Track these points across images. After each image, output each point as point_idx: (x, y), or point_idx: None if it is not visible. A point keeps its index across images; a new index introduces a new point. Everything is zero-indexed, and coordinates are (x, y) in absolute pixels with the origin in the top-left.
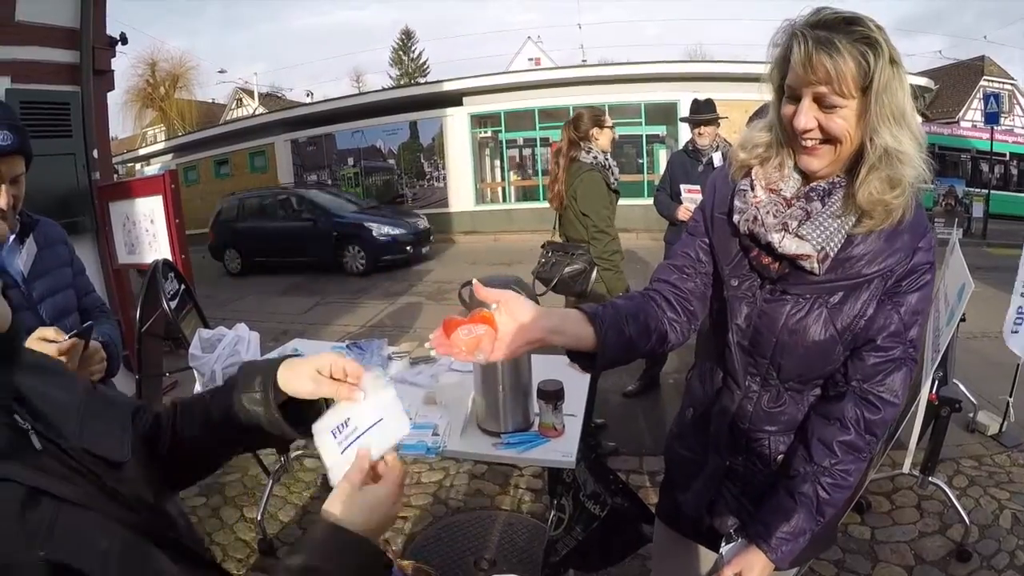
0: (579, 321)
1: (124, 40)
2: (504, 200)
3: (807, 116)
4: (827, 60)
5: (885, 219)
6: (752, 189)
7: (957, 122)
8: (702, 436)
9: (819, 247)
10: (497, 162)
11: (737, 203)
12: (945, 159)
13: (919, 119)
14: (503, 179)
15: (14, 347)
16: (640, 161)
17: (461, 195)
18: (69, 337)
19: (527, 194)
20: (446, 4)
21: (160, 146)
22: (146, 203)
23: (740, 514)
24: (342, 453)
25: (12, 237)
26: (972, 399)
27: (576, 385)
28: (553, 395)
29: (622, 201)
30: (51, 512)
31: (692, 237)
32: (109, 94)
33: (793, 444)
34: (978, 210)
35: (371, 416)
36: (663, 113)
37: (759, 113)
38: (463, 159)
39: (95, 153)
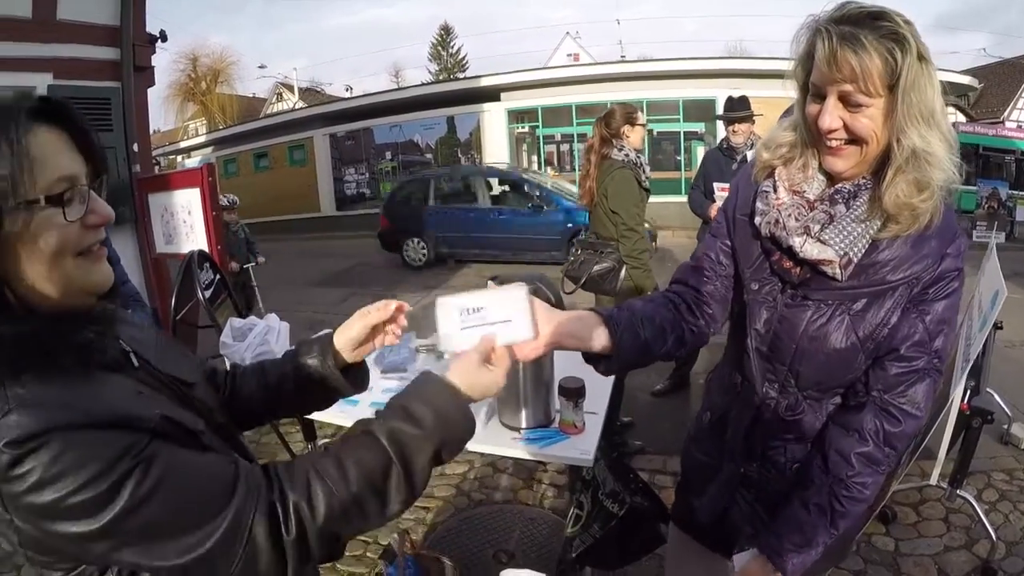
0: (595, 324)
1: (164, 38)
2: None
3: (832, 116)
4: (852, 57)
5: (912, 224)
6: (775, 190)
7: (1002, 122)
8: (718, 441)
9: (842, 252)
10: (534, 157)
11: (759, 205)
12: (989, 160)
13: (950, 119)
14: (540, 175)
15: (116, 297)
16: (677, 158)
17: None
18: None
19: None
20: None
21: (201, 139)
22: (184, 195)
23: (753, 521)
24: (461, 330)
25: None
26: (1007, 410)
27: (598, 383)
28: (574, 392)
29: (659, 198)
30: (155, 397)
31: (714, 239)
32: (151, 88)
33: (810, 454)
34: (1022, 214)
35: (502, 314)
36: (701, 110)
37: (788, 112)
38: (500, 154)
39: (135, 147)
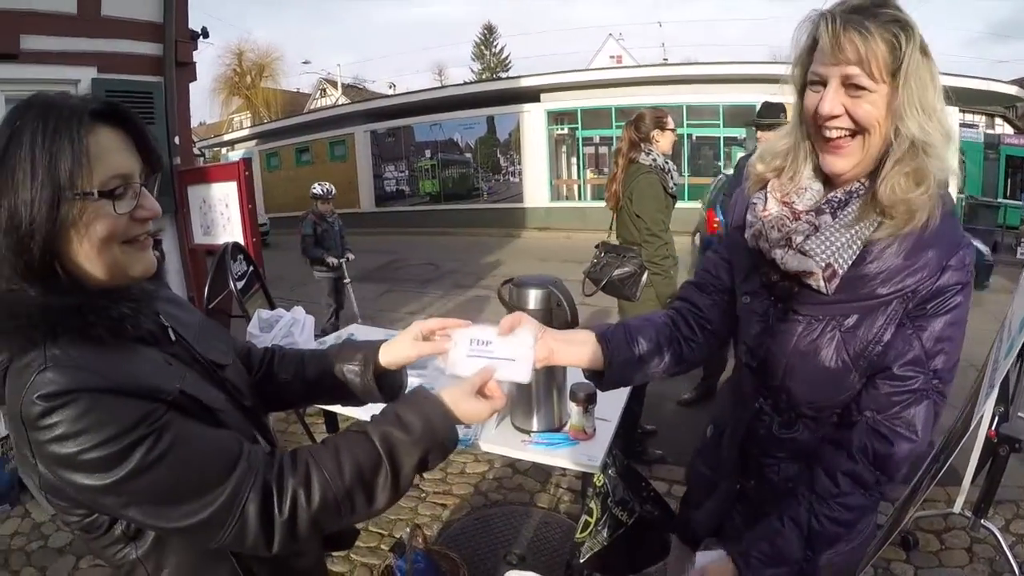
0: (587, 341)
1: (205, 34)
2: (579, 198)
3: (833, 101)
4: (857, 38)
5: (908, 221)
6: (764, 202)
7: None
8: (718, 455)
9: (824, 263)
10: (573, 159)
11: (748, 217)
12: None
13: (952, 120)
14: (578, 176)
15: (160, 280)
16: (717, 164)
17: (536, 191)
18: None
19: (602, 193)
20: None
21: (245, 132)
22: (222, 188)
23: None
24: (467, 357)
25: None
26: None
27: (613, 391)
28: (585, 398)
29: (696, 204)
30: (183, 371)
31: (714, 254)
32: (195, 82)
33: (802, 471)
34: None
35: (507, 352)
36: (742, 116)
37: None
38: (539, 155)
39: (176, 140)
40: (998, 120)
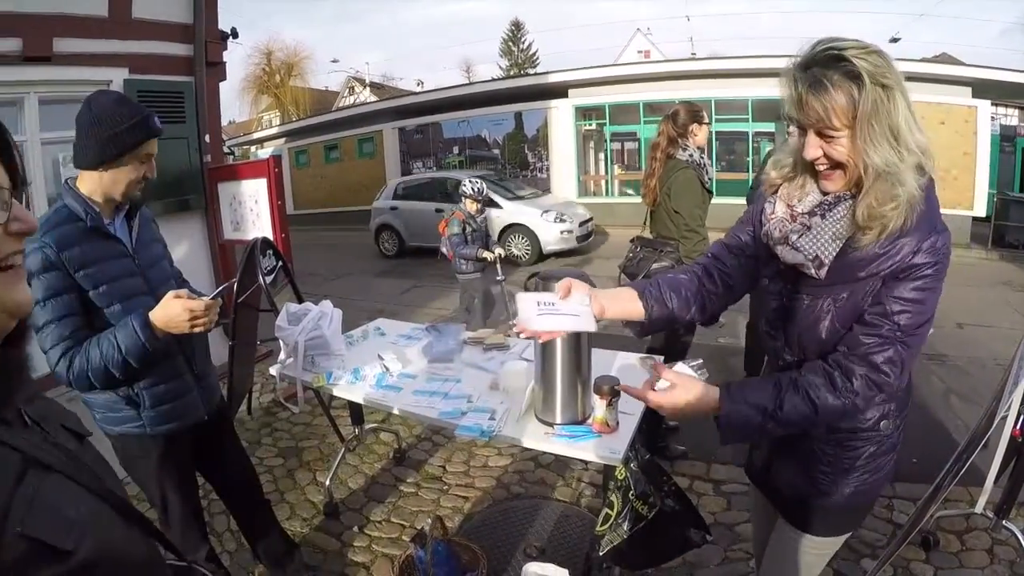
0: (631, 297)
1: (235, 35)
2: (607, 194)
3: (812, 148)
4: (816, 102)
5: (882, 232)
6: (773, 205)
7: None
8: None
9: (811, 256)
10: (601, 155)
11: (762, 218)
12: None
13: (921, 135)
14: (606, 172)
15: (23, 344)
16: (747, 159)
17: (564, 187)
18: (213, 297)
19: (630, 188)
20: None
21: (274, 130)
22: (251, 185)
23: (795, 476)
24: (538, 316)
25: (123, 214)
26: None
27: (636, 383)
28: (609, 391)
29: (728, 200)
30: (34, 485)
31: (744, 224)
32: (224, 81)
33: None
34: None
35: (571, 309)
36: (771, 110)
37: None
38: (567, 151)
39: (207, 138)
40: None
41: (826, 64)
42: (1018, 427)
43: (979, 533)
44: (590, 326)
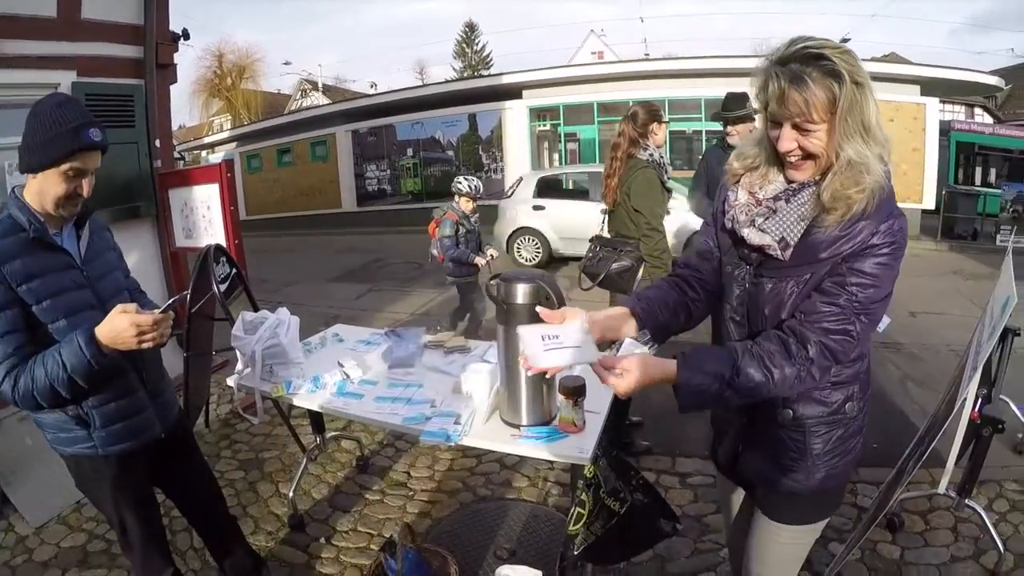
0: (625, 317)
1: (186, 36)
2: None
3: (787, 141)
4: (797, 96)
5: (847, 211)
6: (736, 194)
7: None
8: None
9: (778, 236)
10: (555, 155)
11: (725, 205)
12: (1014, 163)
13: (883, 130)
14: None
15: None
16: (699, 157)
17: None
18: (163, 310)
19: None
20: None
21: (225, 135)
22: (203, 190)
23: (763, 465)
24: (545, 352)
25: (72, 223)
26: (1022, 419)
27: (600, 383)
28: (574, 391)
29: (679, 197)
30: None
31: (709, 227)
32: (175, 85)
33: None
34: None
35: (574, 340)
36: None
37: None
38: (521, 152)
39: (157, 143)
40: (978, 110)
41: (805, 61)
42: (976, 410)
43: (942, 513)
44: (594, 355)
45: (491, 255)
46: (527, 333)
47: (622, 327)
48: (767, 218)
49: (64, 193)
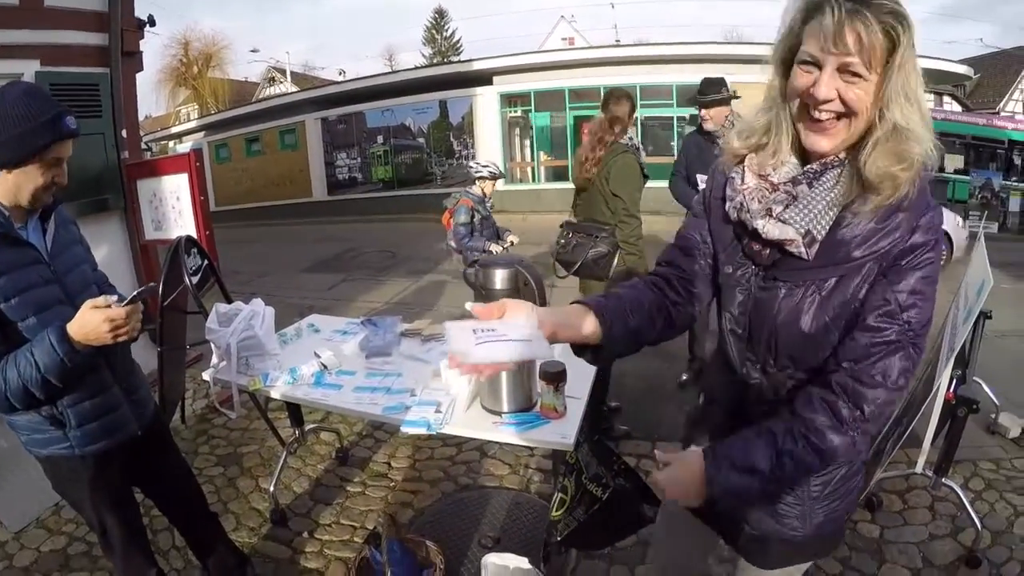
0: (583, 315)
1: (152, 22)
2: (533, 180)
3: (828, 86)
4: (862, 29)
5: (893, 193)
6: (742, 176)
7: (997, 112)
8: (710, 422)
9: (803, 230)
10: (527, 142)
11: (728, 191)
12: (981, 151)
13: (927, 103)
14: (532, 159)
15: None
16: (672, 144)
17: None
18: (128, 302)
19: (556, 174)
20: None
21: (192, 124)
22: (172, 181)
23: (752, 511)
24: (477, 345)
25: (37, 217)
26: (995, 400)
27: (580, 368)
28: (555, 376)
29: (652, 183)
30: None
31: (696, 218)
32: (141, 74)
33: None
34: (1015, 204)
35: (517, 333)
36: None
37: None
38: (492, 138)
39: (123, 133)
40: (946, 98)
41: (868, 1)
42: (951, 391)
43: (919, 492)
44: (545, 351)
45: (511, 241)
46: (454, 328)
47: (581, 324)
48: (787, 206)
49: (44, 184)
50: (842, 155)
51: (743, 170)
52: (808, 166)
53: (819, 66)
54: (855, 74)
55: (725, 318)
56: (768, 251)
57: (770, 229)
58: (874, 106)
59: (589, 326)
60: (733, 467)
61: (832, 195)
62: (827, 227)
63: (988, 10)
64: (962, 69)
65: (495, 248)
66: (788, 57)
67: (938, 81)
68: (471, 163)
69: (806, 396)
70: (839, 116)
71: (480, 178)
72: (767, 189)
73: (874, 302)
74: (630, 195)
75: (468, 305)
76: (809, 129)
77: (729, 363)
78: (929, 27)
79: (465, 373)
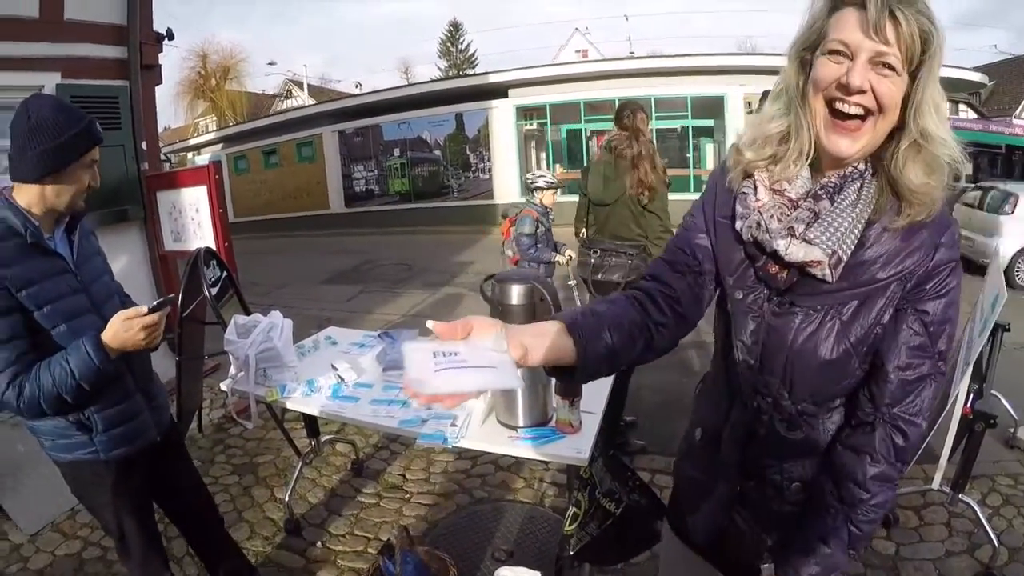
0: (557, 333)
1: (171, 36)
2: None
3: (862, 75)
4: (903, 20)
5: (930, 209)
6: (755, 191)
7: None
8: (712, 458)
9: (830, 251)
10: (543, 154)
11: (739, 208)
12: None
13: (962, 114)
14: (548, 171)
15: None
16: (687, 156)
17: (506, 187)
18: (152, 310)
19: (572, 187)
20: None
21: (211, 136)
22: (191, 193)
23: (754, 541)
24: (436, 372)
25: (63, 228)
26: (1013, 414)
27: (597, 383)
28: (570, 391)
29: (670, 196)
30: None
31: (688, 232)
32: (160, 86)
33: (817, 476)
34: None
35: (482, 359)
36: (710, 107)
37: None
38: (508, 151)
39: (143, 145)
40: (961, 106)
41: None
42: (968, 405)
43: (936, 508)
44: (511, 380)
45: (569, 255)
46: (412, 351)
47: (555, 346)
48: (809, 224)
49: (82, 187)
50: (861, 166)
51: (754, 185)
52: (826, 179)
53: (850, 57)
54: (889, 66)
55: (737, 348)
56: (786, 274)
57: (794, 250)
58: (901, 109)
59: (563, 346)
60: (816, 562)
61: (856, 211)
62: (852, 246)
63: (1002, 16)
64: (977, 76)
65: (560, 258)
66: (809, 51)
67: (953, 90)
68: (528, 174)
69: (855, 481)
70: (865, 115)
71: (536, 188)
72: (786, 206)
73: (904, 336)
74: (664, 210)
75: (429, 323)
76: (831, 131)
77: (740, 396)
78: (947, 35)
79: (423, 403)
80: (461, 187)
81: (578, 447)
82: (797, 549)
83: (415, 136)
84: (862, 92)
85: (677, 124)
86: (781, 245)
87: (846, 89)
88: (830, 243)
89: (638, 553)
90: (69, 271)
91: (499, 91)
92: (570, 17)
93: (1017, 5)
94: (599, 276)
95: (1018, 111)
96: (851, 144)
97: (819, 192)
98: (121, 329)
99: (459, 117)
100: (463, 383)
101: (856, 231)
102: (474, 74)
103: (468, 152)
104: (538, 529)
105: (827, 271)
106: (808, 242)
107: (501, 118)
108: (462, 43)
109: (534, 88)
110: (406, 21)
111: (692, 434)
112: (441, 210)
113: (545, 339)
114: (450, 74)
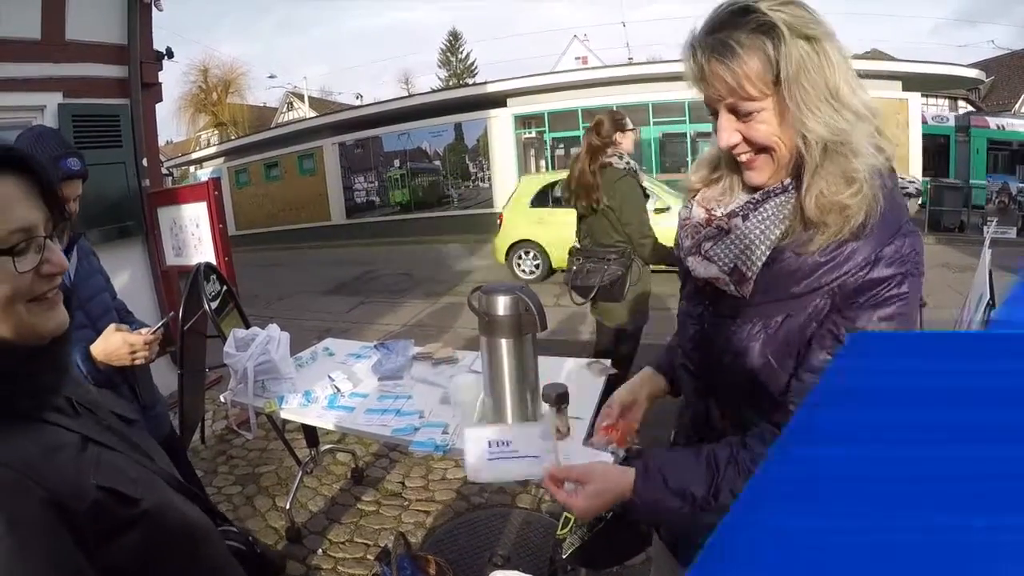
0: (655, 377)
1: (170, 55)
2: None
3: (728, 132)
4: (722, 69)
5: (844, 225)
6: (690, 211)
7: (1013, 114)
8: None
9: (727, 267)
10: (542, 163)
11: (678, 227)
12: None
13: (864, 95)
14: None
15: (66, 345)
16: (688, 160)
17: (506, 195)
18: (155, 331)
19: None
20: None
21: (212, 150)
22: (192, 208)
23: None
24: (489, 461)
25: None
26: None
27: (584, 389)
28: (558, 398)
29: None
30: (96, 453)
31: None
32: (161, 102)
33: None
34: None
35: (529, 449)
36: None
37: None
38: (507, 160)
39: (144, 162)
40: (961, 103)
41: (731, 24)
42: None
43: None
44: (535, 472)
45: None
46: (472, 437)
47: (657, 385)
48: (716, 241)
49: None
50: (786, 180)
51: (693, 205)
52: (751, 196)
53: (716, 112)
54: (747, 113)
55: (679, 354)
56: (708, 287)
57: (698, 267)
58: (788, 130)
59: (661, 385)
60: (666, 487)
61: (767, 228)
62: (759, 262)
63: (1002, 12)
64: (973, 73)
65: None
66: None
67: (951, 86)
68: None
69: (758, 431)
70: (758, 152)
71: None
72: (700, 224)
73: (821, 339)
74: (640, 218)
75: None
76: (742, 168)
77: (688, 400)
78: (942, 32)
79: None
80: (461, 196)
81: (567, 452)
82: (676, 453)
83: (415, 147)
84: (736, 144)
85: (676, 128)
86: (690, 262)
87: (723, 148)
88: (728, 259)
89: (632, 556)
90: (67, 288)
91: (498, 100)
92: (569, 24)
93: (1017, 1)
94: (578, 282)
95: (1017, 105)
96: (759, 176)
97: (737, 210)
98: (109, 342)
99: (458, 127)
100: (509, 473)
101: (764, 247)
102: (473, 84)
103: (468, 161)
104: (535, 534)
105: (731, 287)
106: (709, 259)
107: (500, 127)
108: (462, 52)
109: (532, 97)
110: (406, 32)
111: (670, 437)
112: (441, 220)
113: (643, 388)
114: (450, 83)
